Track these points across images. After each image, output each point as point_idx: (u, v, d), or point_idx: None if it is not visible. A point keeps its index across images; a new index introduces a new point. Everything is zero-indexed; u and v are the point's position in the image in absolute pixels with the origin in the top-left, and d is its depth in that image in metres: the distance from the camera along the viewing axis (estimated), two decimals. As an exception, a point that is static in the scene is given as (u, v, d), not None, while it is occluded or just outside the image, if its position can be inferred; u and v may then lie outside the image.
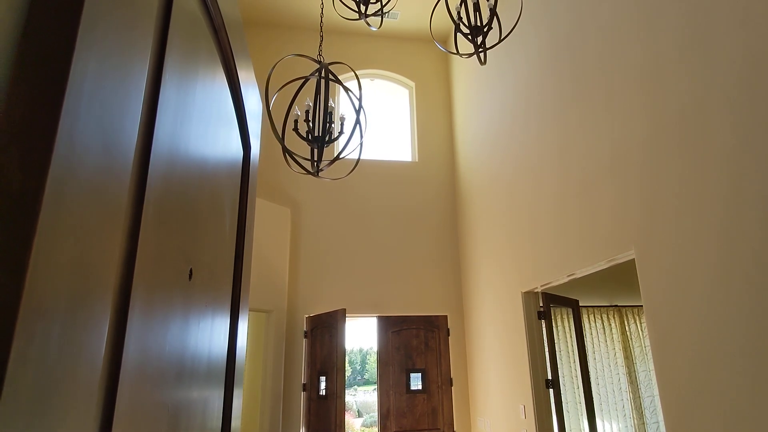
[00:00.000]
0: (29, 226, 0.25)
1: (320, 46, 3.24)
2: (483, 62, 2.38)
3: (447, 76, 6.79)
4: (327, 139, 3.00)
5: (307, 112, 3.10)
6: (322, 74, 2.86)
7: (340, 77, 6.30)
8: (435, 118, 6.56)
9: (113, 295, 0.35)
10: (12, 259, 0.24)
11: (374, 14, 2.56)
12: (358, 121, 2.89)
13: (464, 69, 6.09)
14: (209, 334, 0.62)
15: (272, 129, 2.64)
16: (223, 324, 0.71)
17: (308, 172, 3.00)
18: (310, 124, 3.04)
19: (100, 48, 0.32)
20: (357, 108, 2.90)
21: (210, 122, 0.64)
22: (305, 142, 3.01)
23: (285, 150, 2.83)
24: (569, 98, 3.56)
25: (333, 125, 3.03)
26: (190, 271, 0.54)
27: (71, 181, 0.29)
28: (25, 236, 0.25)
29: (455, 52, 2.73)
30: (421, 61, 6.76)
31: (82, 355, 0.30)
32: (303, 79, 2.87)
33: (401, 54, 6.73)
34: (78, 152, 0.29)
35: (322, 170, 2.97)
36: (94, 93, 0.31)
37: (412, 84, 6.70)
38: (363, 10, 2.53)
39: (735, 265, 2.08)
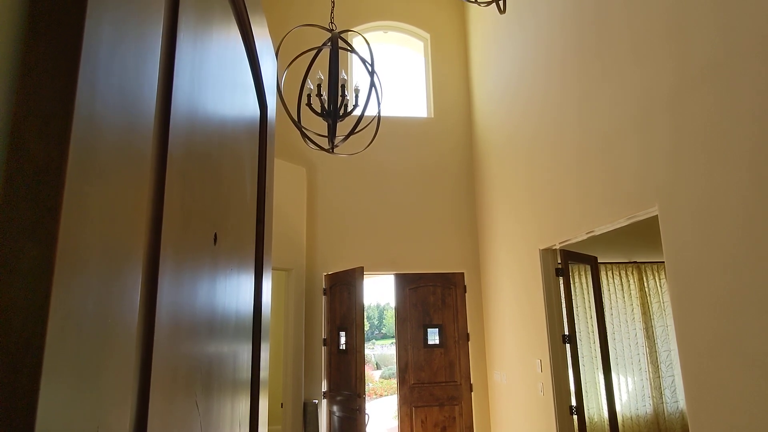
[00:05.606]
0: (56, 192, 0.25)
1: (332, 13, 3.09)
2: (503, 11, 2.27)
3: (463, 27, 6.53)
4: (341, 113, 2.91)
5: (318, 86, 3.00)
6: (335, 44, 2.75)
7: (353, 36, 6.11)
8: (451, 71, 6.37)
9: (143, 252, 0.35)
10: (43, 225, 0.25)
11: None
12: (370, 96, 2.80)
13: (482, 19, 5.84)
14: (236, 292, 0.64)
15: (286, 111, 2.59)
16: (248, 282, 0.73)
17: (322, 149, 2.96)
18: (322, 99, 2.95)
19: (113, 7, 0.31)
20: (370, 83, 2.81)
21: (226, 84, 0.63)
22: (320, 117, 2.93)
23: (300, 128, 2.78)
24: (593, 50, 3.41)
25: (347, 98, 2.95)
26: (215, 235, 0.55)
27: (95, 143, 0.29)
28: (53, 203, 0.25)
29: (473, 0, 2.61)
30: (437, 11, 6.50)
31: (117, 311, 0.31)
32: (314, 50, 2.77)
33: (416, 4, 6.47)
34: (98, 116, 0.29)
35: (337, 146, 2.91)
36: (109, 54, 0.30)
37: (427, 36, 6.47)
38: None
39: (762, 221, 2.03)
